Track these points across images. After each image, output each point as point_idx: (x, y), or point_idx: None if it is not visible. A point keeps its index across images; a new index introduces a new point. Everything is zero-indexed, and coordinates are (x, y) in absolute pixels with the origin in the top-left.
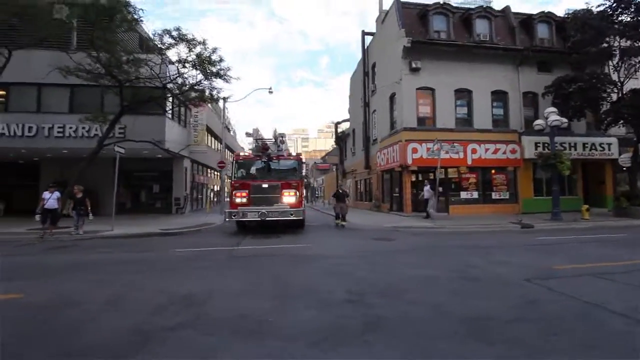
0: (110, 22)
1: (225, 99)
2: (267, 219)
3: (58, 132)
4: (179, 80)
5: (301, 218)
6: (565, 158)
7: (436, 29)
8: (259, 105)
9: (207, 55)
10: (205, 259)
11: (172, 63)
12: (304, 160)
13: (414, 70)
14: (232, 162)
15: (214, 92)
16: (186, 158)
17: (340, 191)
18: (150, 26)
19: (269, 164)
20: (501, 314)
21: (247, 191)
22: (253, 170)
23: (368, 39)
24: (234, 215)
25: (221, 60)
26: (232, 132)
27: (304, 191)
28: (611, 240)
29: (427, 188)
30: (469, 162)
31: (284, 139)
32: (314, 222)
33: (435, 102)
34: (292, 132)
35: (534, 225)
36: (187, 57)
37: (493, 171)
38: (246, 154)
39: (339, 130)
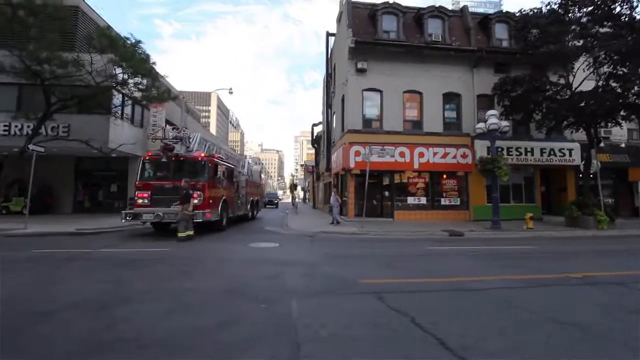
0: (35, 18)
1: (174, 99)
2: (163, 221)
3: (4, 130)
4: (119, 79)
5: (200, 220)
6: (502, 163)
7: (385, 29)
8: (272, 105)
9: (130, 54)
10: (33, 261)
11: (114, 63)
12: (220, 162)
13: (360, 72)
14: (139, 162)
15: (160, 92)
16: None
17: (184, 191)
18: (169, 29)
19: (174, 165)
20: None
21: (148, 192)
22: (158, 170)
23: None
24: (129, 217)
25: (146, 59)
26: (239, 133)
27: (233, 192)
28: (505, 253)
29: (332, 195)
30: (416, 166)
31: (189, 138)
32: (256, 225)
33: (383, 104)
34: (299, 134)
35: (464, 234)
36: (115, 57)
37: (445, 176)
38: (155, 153)
39: (316, 132)
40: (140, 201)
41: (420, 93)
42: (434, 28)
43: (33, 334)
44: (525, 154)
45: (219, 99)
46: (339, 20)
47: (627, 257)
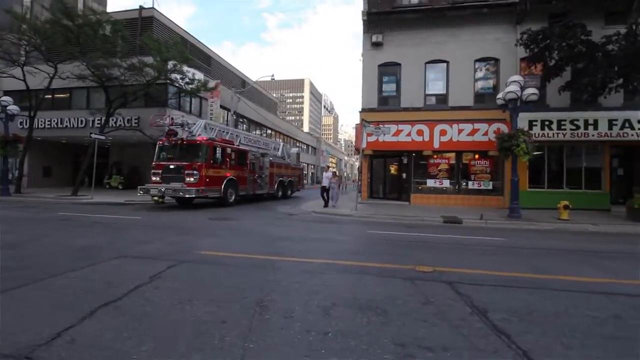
0: (94, 34)
1: (212, 89)
2: (165, 195)
3: (97, 123)
4: (176, 77)
5: (193, 196)
6: (521, 140)
7: None
8: None
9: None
10: (36, 220)
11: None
12: (223, 144)
13: (376, 45)
14: (156, 146)
15: (202, 84)
16: None
17: None
18: (274, 20)
19: (178, 148)
20: None
21: (159, 171)
22: (168, 153)
23: None
24: (142, 191)
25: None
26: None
27: (246, 172)
28: (435, 242)
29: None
30: (436, 145)
31: (189, 124)
32: (275, 204)
33: (401, 79)
34: None
35: (463, 221)
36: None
37: (476, 156)
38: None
39: None
40: (153, 178)
41: (446, 62)
42: None
43: None
44: (586, 128)
45: (311, 85)
46: None
47: (594, 260)
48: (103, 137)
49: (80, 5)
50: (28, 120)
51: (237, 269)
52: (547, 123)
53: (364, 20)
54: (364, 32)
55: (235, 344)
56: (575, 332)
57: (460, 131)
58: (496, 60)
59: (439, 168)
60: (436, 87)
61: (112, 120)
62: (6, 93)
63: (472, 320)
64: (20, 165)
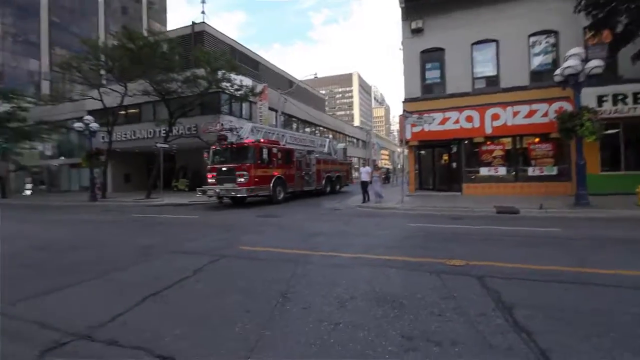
0: (154, 54)
1: (259, 94)
2: (220, 195)
3: (163, 133)
4: (225, 86)
5: (245, 195)
6: (586, 118)
7: None
8: None
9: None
10: (110, 222)
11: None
12: (268, 145)
13: (416, 32)
14: (210, 151)
15: (254, 90)
16: None
17: None
18: (319, 17)
19: (229, 151)
20: None
21: (214, 173)
22: (220, 156)
23: None
24: (200, 192)
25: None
26: (383, 109)
27: (293, 170)
28: (480, 234)
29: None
30: (488, 131)
31: (237, 128)
32: (321, 200)
33: (445, 64)
34: None
35: (520, 211)
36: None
37: (537, 140)
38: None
39: None
40: (210, 180)
41: (495, 41)
42: None
43: (24, 255)
44: None
45: (360, 78)
46: None
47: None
48: (167, 146)
49: (144, 25)
50: (107, 135)
51: (270, 263)
52: (620, 97)
53: (402, 7)
54: (402, 20)
55: (253, 331)
56: (610, 332)
57: (515, 114)
58: (555, 32)
59: (493, 155)
60: (485, 68)
61: (175, 129)
62: (88, 113)
63: (492, 316)
64: (103, 174)
